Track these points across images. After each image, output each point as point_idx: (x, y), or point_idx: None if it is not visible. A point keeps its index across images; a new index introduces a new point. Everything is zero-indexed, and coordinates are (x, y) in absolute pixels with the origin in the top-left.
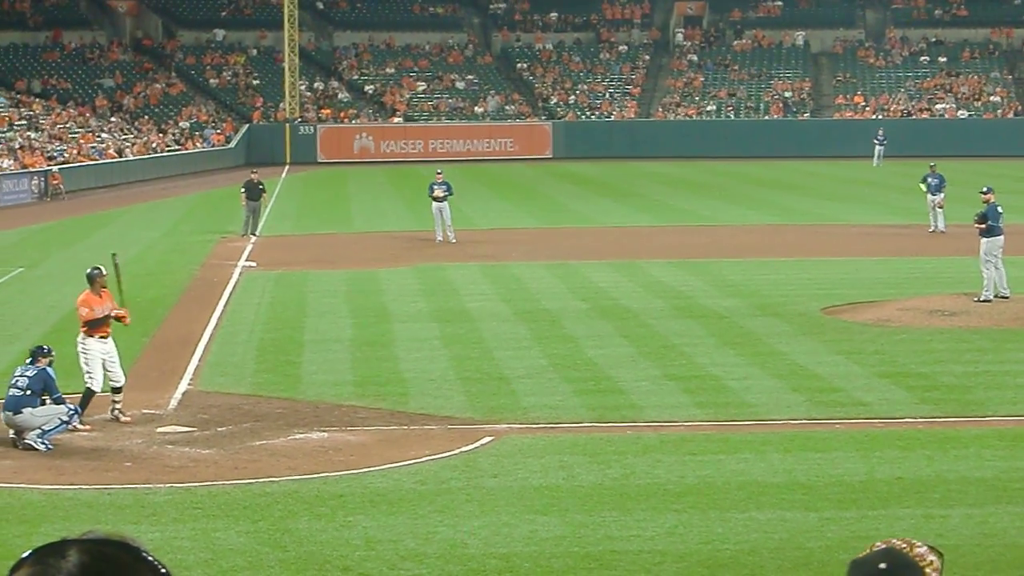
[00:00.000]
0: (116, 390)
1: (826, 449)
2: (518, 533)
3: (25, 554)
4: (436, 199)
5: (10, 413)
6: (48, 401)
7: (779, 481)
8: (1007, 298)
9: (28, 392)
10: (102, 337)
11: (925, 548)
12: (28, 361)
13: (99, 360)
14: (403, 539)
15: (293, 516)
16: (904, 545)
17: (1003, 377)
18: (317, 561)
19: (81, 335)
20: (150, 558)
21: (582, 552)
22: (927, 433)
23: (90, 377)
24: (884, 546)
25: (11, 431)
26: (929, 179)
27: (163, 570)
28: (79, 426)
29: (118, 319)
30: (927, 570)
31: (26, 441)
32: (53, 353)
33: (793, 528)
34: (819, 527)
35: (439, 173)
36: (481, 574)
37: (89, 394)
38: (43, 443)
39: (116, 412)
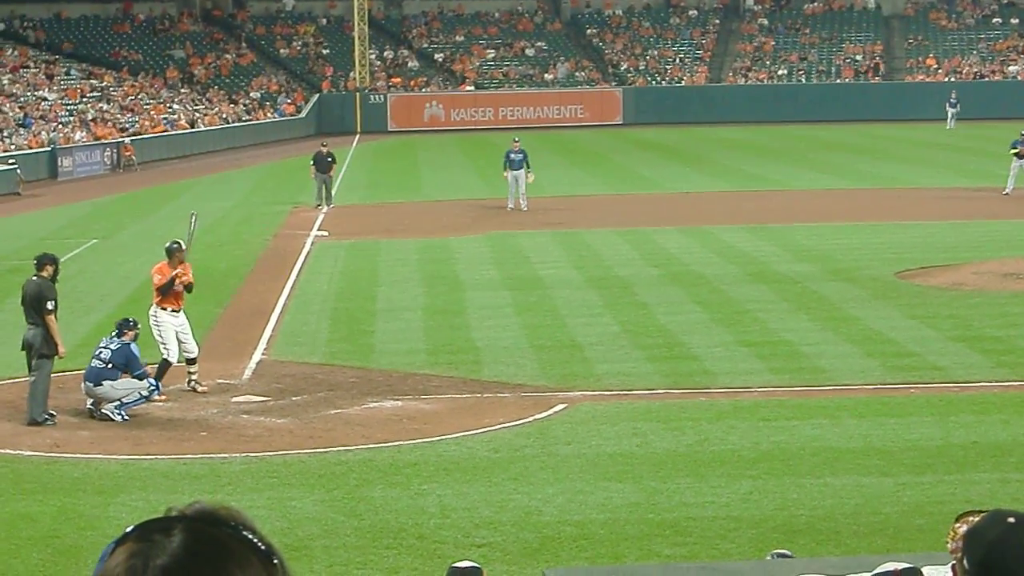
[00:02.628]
0: (191, 361)
1: (901, 414)
2: (592, 500)
3: (130, 528)
4: (512, 166)
5: (91, 384)
6: (130, 375)
7: (854, 446)
8: None
9: (110, 365)
10: (173, 311)
11: None
12: (113, 334)
13: (172, 331)
14: (477, 507)
15: (368, 485)
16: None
17: None
18: (392, 529)
19: (153, 307)
20: (254, 538)
21: (656, 519)
22: (1003, 397)
23: (165, 348)
24: (993, 511)
25: (89, 401)
26: (1020, 145)
27: (264, 548)
28: (155, 397)
29: (183, 284)
30: None
31: (103, 411)
32: (139, 326)
33: (869, 493)
34: (895, 492)
35: (516, 141)
36: (556, 541)
37: (164, 365)
38: (120, 414)
39: (192, 383)
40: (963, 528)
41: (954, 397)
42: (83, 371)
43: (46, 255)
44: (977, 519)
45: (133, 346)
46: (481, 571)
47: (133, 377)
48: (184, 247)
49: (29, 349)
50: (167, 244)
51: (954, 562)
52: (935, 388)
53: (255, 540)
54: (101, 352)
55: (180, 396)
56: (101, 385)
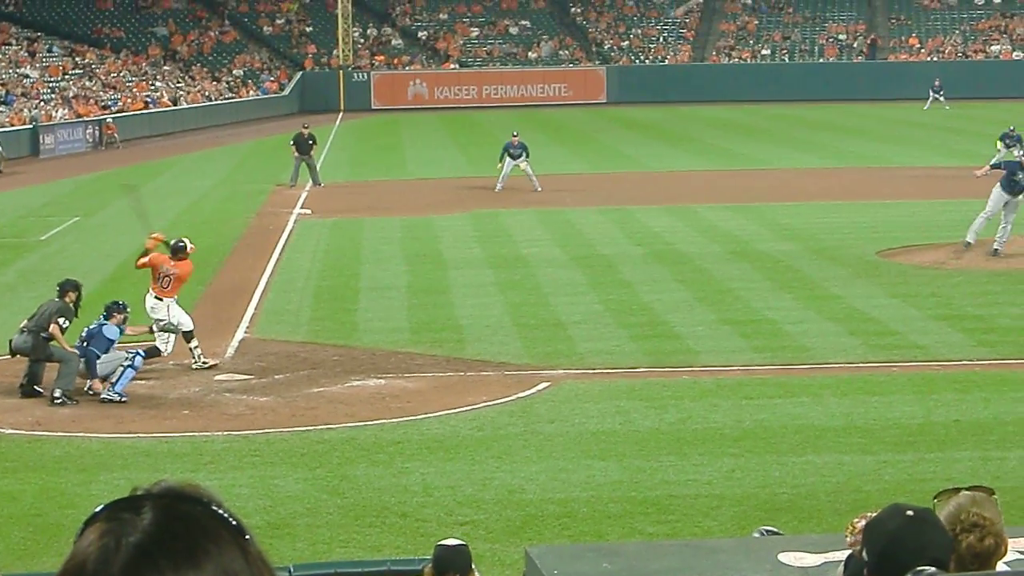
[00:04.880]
0: (190, 336)
1: (883, 392)
2: (575, 478)
3: (99, 507)
4: (512, 158)
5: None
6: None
7: (836, 425)
8: None
9: (85, 344)
10: (158, 297)
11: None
12: (102, 316)
13: (177, 309)
14: (461, 485)
15: (351, 463)
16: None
17: None
18: (375, 507)
19: (169, 300)
20: (225, 514)
21: (639, 497)
22: (984, 375)
23: (167, 341)
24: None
25: (88, 383)
26: (1007, 140)
27: (235, 523)
28: (139, 365)
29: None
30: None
31: (102, 397)
32: (128, 310)
33: (850, 471)
34: (876, 470)
35: (515, 135)
36: (539, 519)
37: (155, 351)
38: (117, 394)
39: (200, 359)
40: (861, 523)
41: (935, 376)
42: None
43: (68, 281)
44: (877, 512)
45: (107, 328)
46: (467, 549)
47: (87, 358)
48: (190, 248)
49: (23, 355)
50: (173, 242)
51: (851, 552)
52: (917, 367)
53: (226, 515)
54: (83, 331)
55: (162, 374)
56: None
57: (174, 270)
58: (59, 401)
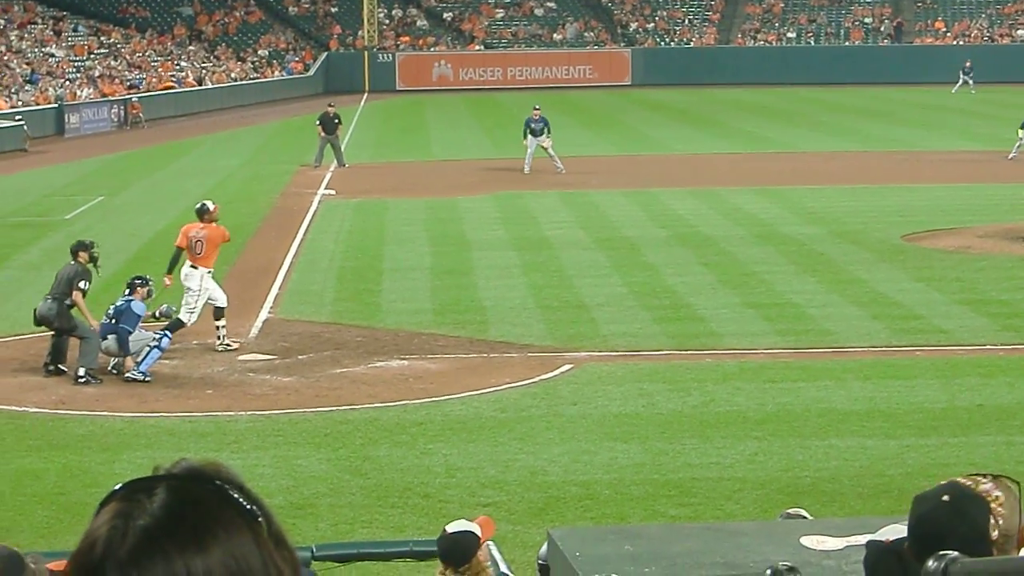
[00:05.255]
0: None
1: (907, 376)
2: (598, 460)
3: (118, 486)
4: (533, 133)
5: (102, 340)
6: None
7: (859, 408)
8: None
9: (113, 321)
10: (192, 264)
11: (991, 484)
12: (126, 292)
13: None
14: (483, 466)
15: (374, 444)
16: (969, 482)
17: None
18: (398, 488)
19: (202, 270)
20: (238, 496)
21: (662, 479)
22: (1008, 360)
23: (193, 312)
24: (948, 482)
25: (112, 362)
26: None
27: (250, 508)
28: (231, 343)
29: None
30: (993, 505)
31: (127, 376)
32: (150, 283)
33: (873, 455)
34: (899, 454)
35: (536, 108)
36: (561, 501)
37: (178, 324)
38: (142, 374)
39: (224, 340)
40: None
41: (959, 360)
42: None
43: (77, 242)
44: (931, 489)
45: (134, 303)
46: (476, 537)
47: (119, 336)
48: (211, 208)
49: (48, 325)
50: (197, 205)
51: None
52: (940, 351)
53: (239, 498)
54: (109, 309)
55: (186, 354)
56: (107, 339)
57: (203, 232)
58: (83, 380)
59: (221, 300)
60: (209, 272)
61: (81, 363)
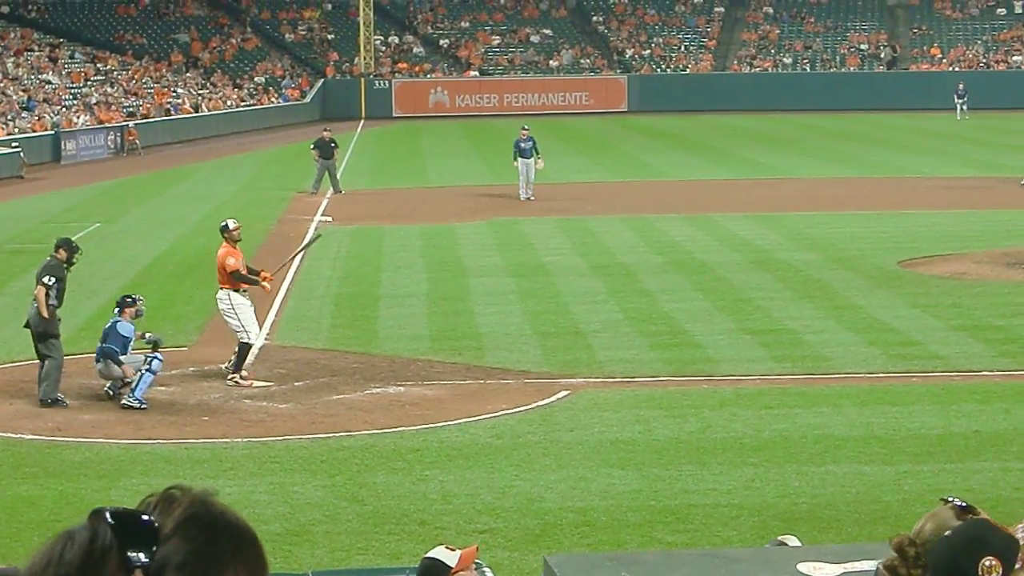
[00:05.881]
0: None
1: (903, 403)
2: (594, 487)
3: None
4: (523, 155)
5: (96, 363)
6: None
7: (856, 435)
8: None
9: (104, 343)
10: (244, 290)
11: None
12: (115, 311)
13: (250, 311)
14: (480, 493)
15: (370, 470)
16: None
17: None
18: (394, 515)
19: (224, 291)
20: (136, 555)
21: (659, 506)
22: (1005, 386)
23: (246, 332)
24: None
25: (107, 384)
26: None
27: (140, 562)
28: (241, 381)
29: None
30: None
31: (123, 403)
32: (139, 302)
33: (870, 482)
34: (896, 480)
35: (525, 129)
36: (558, 528)
37: (244, 348)
38: (136, 400)
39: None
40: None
41: (956, 386)
42: (91, 356)
43: (60, 239)
44: (941, 519)
45: (120, 324)
46: (445, 567)
47: (106, 356)
48: (233, 227)
49: (31, 328)
50: (221, 223)
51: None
52: (937, 377)
53: (134, 556)
54: (102, 332)
55: (182, 381)
56: (100, 362)
57: (218, 251)
58: (50, 403)
59: (250, 333)
60: (239, 292)
61: (42, 389)
